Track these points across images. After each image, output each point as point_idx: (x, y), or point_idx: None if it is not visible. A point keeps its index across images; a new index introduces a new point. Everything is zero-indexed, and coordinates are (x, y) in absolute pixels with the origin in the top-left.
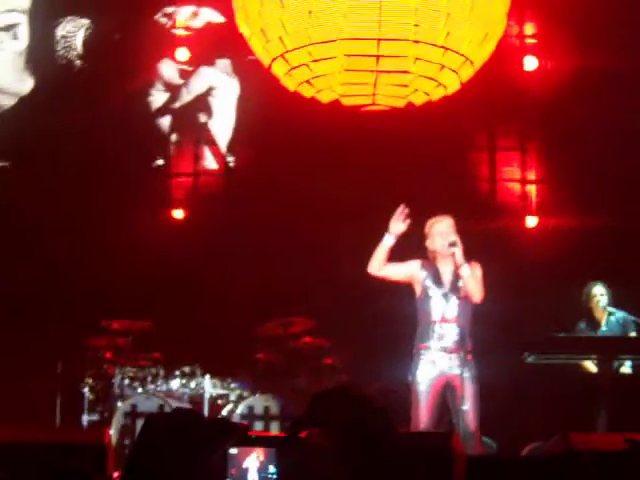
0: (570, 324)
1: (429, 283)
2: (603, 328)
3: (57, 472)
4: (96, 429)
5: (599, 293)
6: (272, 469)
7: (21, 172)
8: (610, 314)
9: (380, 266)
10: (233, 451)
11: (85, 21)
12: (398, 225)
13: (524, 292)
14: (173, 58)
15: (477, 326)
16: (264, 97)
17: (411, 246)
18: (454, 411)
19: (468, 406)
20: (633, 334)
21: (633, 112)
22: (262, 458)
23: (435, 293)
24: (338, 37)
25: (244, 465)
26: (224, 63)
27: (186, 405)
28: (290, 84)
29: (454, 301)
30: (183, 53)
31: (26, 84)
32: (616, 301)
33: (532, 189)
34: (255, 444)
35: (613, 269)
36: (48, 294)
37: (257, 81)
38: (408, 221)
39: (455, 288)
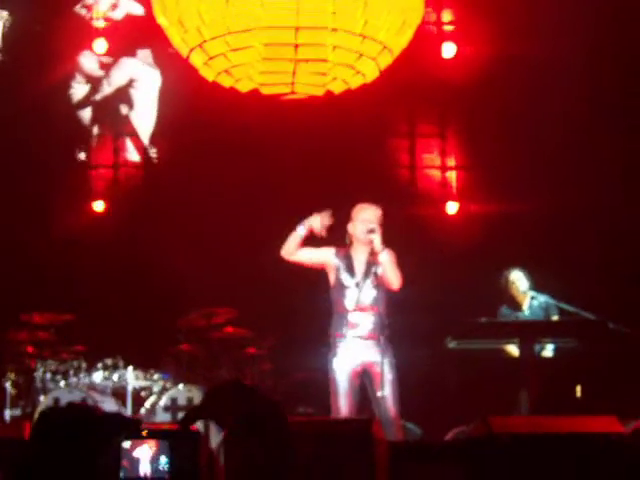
0: (492, 309)
1: (342, 272)
2: (525, 312)
3: None
4: (16, 423)
5: (517, 278)
6: (164, 460)
7: None
8: (532, 298)
9: (292, 251)
10: (126, 444)
11: (4, 13)
12: (317, 223)
13: (445, 278)
14: (93, 50)
15: (398, 313)
16: (185, 88)
17: (332, 231)
18: (373, 398)
19: (387, 392)
20: (555, 318)
21: (549, 98)
22: (154, 449)
23: (349, 282)
24: (256, 26)
25: (135, 456)
26: (145, 54)
27: (109, 398)
28: (209, 74)
29: (368, 289)
30: (102, 45)
31: None
32: (537, 285)
33: (452, 175)
34: (148, 437)
35: (533, 253)
36: None
37: (178, 72)
38: (327, 223)
39: (369, 276)
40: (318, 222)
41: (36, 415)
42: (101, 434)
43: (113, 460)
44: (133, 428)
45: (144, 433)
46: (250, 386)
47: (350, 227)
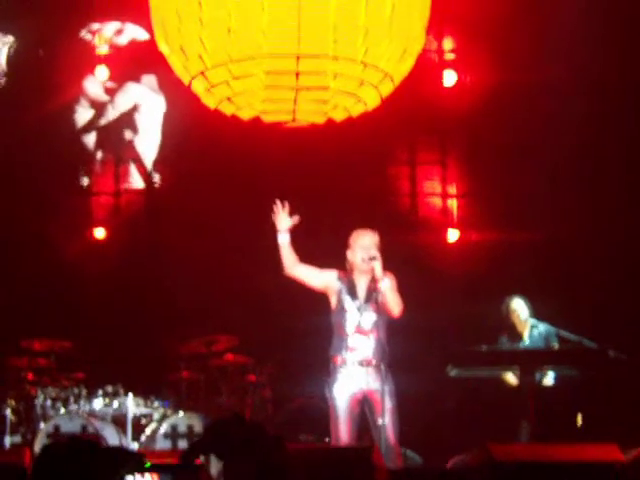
0: (493, 337)
1: (344, 295)
2: (526, 341)
3: None
4: (16, 450)
5: (519, 306)
6: None
7: None
8: (533, 327)
9: (292, 264)
10: (129, 479)
11: (9, 38)
12: (283, 221)
13: (446, 306)
14: (98, 75)
15: (400, 339)
16: (189, 115)
17: (331, 256)
18: (373, 425)
19: (387, 420)
20: (556, 346)
21: (550, 126)
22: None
23: (350, 305)
24: (257, 54)
25: None
26: (150, 80)
27: (109, 425)
28: (210, 102)
29: (369, 314)
30: (104, 72)
31: None
32: (538, 313)
33: (453, 203)
34: (151, 471)
35: (534, 282)
36: None
37: (183, 98)
38: (295, 216)
39: (370, 301)
40: (285, 218)
41: (37, 447)
42: (104, 468)
43: None
44: (136, 462)
45: (147, 467)
46: (251, 421)
47: (349, 255)
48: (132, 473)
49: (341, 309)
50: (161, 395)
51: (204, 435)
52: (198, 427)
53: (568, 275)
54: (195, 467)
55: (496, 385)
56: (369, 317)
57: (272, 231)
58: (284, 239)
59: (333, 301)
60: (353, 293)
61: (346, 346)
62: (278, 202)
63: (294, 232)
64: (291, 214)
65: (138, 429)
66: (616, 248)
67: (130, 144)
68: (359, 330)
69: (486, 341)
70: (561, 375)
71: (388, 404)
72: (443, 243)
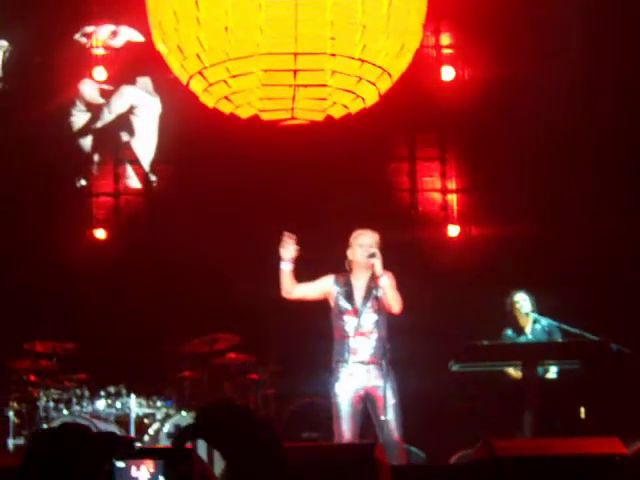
0: (494, 332)
1: (342, 298)
2: (528, 335)
3: None
4: (19, 452)
5: (521, 300)
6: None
7: None
8: (535, 321)
9: (291, 289)
10: (120, 464)
11: (4, 43)
12: (288, 251)
13: (447, 301)
14: (93, 78)
15: (401, 336)
16: (185, 115)
17: (332, 256)
18: (376, 422)
19: (390, 417)
20: (559, 340)
21: (548, 120)
22: (152, 470)
23: (347, 308)
24: (255, 52)
25: (133, 476)
26: (145, 81)
27: (112, 426)
28: (209, 101)
29: (369, 314)
30: (102, 73)
31: None
32: (539, 308)
33: (453, 198)
34: (142, 456)
35: (535, 276)
36: None
37: (178, 99)
38: (297, 247)
39: (369, 300)
40: (290, 249)
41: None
42: (93, 453)
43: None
44: (126, 447)
45: (138, 452)
46: (242, 405)
47: (349, 253)
48: (122, 458)
49: (339, 312)
50: (164, 395)
51: (196, 420)
52: None
53: (570, 269)
54: (186, 451)
55: (498, 379)
56: (369, 317)
57: (276, 229)
58: (287, 267)
59: (332, 305)
60: (351, 295)
61: (348, 349)
62: (287, 234)
63: (294, 230)
64: (291, 213)
65: (141, 429)
66: (618, 242)
67: (127, 146)
68: (359, 332)
69: (488, 336)
70: (564, 369)
71: (391, 400)
72: (443, 238)
